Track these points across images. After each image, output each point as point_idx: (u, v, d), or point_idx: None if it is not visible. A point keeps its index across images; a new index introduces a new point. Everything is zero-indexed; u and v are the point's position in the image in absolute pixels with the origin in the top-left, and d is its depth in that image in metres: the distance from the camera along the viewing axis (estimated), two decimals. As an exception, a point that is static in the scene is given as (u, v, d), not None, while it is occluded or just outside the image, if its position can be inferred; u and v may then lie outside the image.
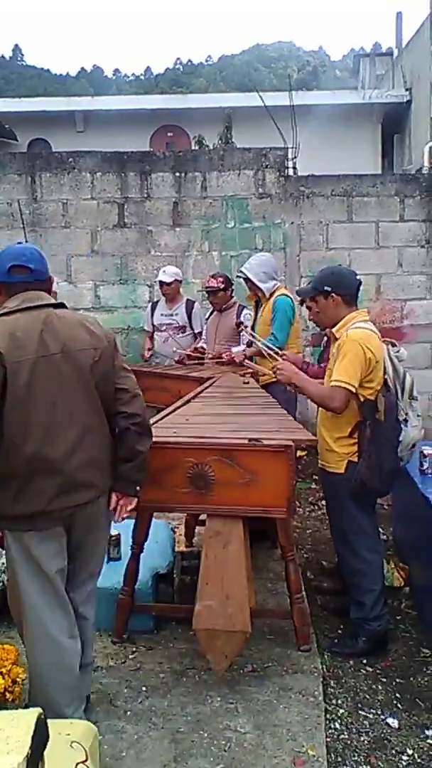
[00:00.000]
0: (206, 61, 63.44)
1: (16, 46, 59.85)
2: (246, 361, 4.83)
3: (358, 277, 3.38)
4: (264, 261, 5.01)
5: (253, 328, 5.09)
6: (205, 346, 5.53)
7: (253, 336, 4.35)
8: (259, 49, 64.72)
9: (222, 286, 5.33)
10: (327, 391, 3.12)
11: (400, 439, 3.20)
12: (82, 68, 56.89)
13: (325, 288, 3.26)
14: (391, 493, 3.82)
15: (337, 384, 3.05)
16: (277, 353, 3.90)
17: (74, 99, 14.17)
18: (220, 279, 5.37)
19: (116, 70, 57.56)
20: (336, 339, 3.23)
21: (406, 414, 3.24)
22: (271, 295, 4.87)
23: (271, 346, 4.06)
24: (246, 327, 4.94)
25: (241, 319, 5.30)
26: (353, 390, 3.05)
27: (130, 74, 58.42)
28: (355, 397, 3.08)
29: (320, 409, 3.33)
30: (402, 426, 3.22)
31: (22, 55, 59.54)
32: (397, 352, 3.29)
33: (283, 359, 3.74)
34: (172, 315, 5.75)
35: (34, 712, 1.68)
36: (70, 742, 2.02)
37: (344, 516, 3.25)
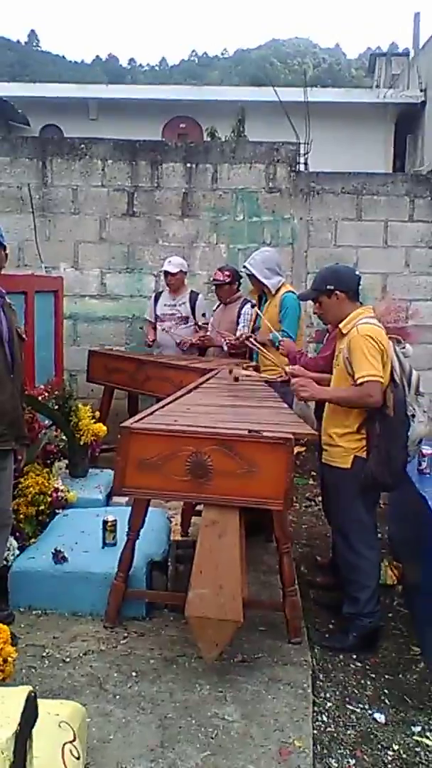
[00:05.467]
0: (222, 54, 63.27)
1: (32, 31, 59.92)
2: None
3: (358, 273, 3.40)
4: (267, 257, 4.91)
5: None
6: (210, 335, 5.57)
7: (254, 344, 4.48)
8: (275, 45, 64.33)
9: (228, 280, 5.33)
10: (358, 390, 3.07)
11: (409, 434, 3.21)
12: (97, 56, 56.76)
13: (328, 287, 3.27)
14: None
15: (366, 379, 3.03)
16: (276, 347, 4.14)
17: (88, 86, 14.10)
18: (227, 273, 5.37)
19: (131, 60, 57.34)
20: (344, 335, 3.23)
21: (414, 409, 3.24)
22: (277, 291, 4.85)
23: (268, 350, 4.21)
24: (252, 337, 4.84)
25: (242, 313, 5.30)
26: (382, 380, 3.05)
27: (145, 64, 58.25)
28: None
29: (327, 404, 3.33)
30: (410, 421, 3.23)
31: (38, 40, 59.29)
32: (403, 348, 3.30)
33: (281, 344, 4.02)
34: (175, 305, 5.74)
35: (24, 690, 1.69)
36: (58, 722, 2.03)
37: (346, 511, 3.26)
